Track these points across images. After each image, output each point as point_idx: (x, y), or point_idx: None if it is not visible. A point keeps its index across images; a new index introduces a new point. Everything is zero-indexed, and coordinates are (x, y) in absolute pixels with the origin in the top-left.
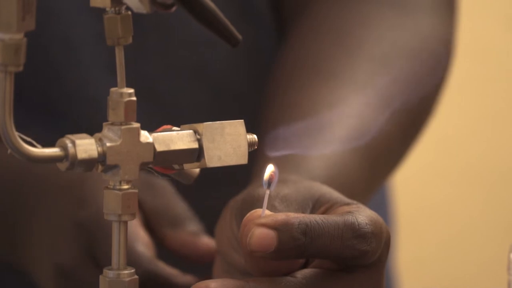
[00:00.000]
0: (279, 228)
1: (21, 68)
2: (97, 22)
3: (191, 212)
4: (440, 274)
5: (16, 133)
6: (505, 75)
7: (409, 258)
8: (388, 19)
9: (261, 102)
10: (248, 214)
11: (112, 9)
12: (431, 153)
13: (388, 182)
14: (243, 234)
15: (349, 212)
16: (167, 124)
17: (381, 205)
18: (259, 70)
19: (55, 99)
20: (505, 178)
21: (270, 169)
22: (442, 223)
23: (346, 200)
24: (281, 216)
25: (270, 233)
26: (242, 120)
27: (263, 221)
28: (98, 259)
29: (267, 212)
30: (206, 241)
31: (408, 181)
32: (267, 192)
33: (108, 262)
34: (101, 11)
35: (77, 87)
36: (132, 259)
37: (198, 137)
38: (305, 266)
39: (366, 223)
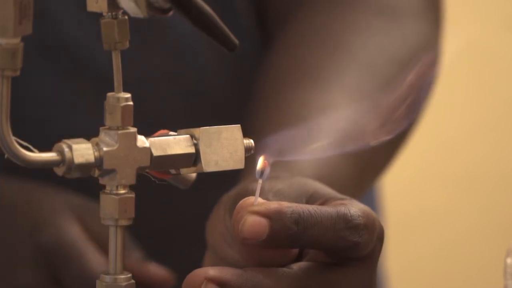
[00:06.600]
0: (272, 217)
1: (18, 73)
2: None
3: (133, 240)
4: (435, 279)
5: (13, 138)
6: (504, 76)
7: (403, 263)
8: (375, 25)
9: (247, 107)
10: (241, 202)
11: (109, 13)
12: (426, 157)
13: (380, 187)
14: (236, 221)
15: (342, 204)
16: (161, 129)
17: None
18: (241, 76)
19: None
20: (502, 182)
21: (262, 158)
22: (438, 228)
23: (340, 195)
24: (274, 205)
25: (262, 221)
26: (239, 125)
27: (256, 208)
28: (64, 282)
29: (260, 200)
30: (156, 269)
31: (403, 185)
32: (260, 181)
33: (76, 285)
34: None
35: (28, 92)
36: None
37: (195, 141)
38: (298, 259)
39: (358, 215)
